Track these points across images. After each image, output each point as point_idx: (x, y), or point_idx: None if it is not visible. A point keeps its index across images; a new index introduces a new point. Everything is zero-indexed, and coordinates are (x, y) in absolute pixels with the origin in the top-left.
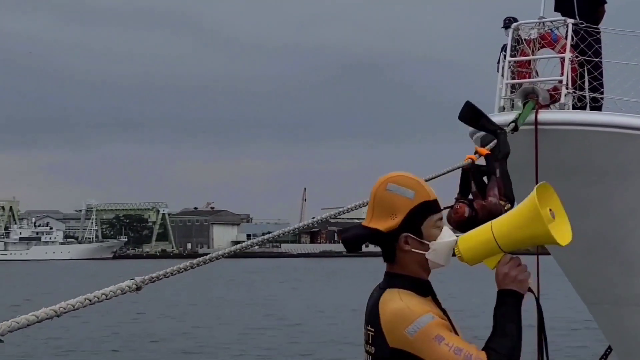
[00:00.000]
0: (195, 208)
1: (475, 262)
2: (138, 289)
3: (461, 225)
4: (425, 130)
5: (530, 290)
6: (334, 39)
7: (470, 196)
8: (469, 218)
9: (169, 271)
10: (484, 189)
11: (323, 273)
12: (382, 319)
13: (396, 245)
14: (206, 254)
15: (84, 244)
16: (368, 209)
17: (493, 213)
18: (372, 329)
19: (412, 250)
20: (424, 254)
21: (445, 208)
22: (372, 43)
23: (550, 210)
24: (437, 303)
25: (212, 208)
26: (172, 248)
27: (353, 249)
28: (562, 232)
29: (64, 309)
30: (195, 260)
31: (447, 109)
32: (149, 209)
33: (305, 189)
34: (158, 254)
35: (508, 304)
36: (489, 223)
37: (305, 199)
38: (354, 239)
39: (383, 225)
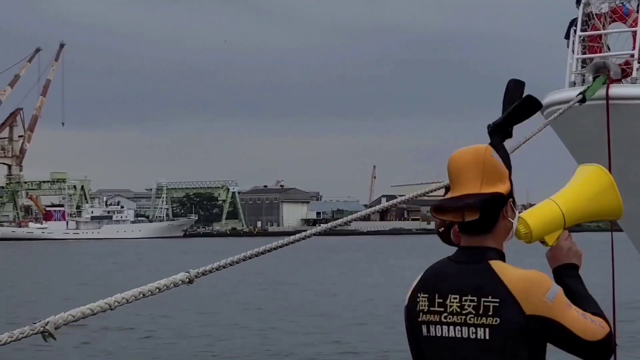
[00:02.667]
0: (265, 186)
1: (538, 239)
2: (190, 281)
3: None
4: (492, 105)
5: None
6: (399, 17)
7: None
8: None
9: (221, 264)
10: None
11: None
12: (510, 287)
13: (501, 212)
14: (276, 232)
15: (155, 223)
16: (470, 177)
17: None
18: (496, 300)
19: (509, 218)
20: (512, 222)
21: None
22: (438, 20)
23: None
24: None
25: (281, 186)
26: (242, 226)
27: (479, 224)
28: None
29: (118, 302)
30: (269, 245)
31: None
32: (219, 187)
33: (374, 166)
34: (228, 232)
35: (577, 276)
36: (549, 200)
37: (375, 177)
38: (486, 205)
39: (501, 188)
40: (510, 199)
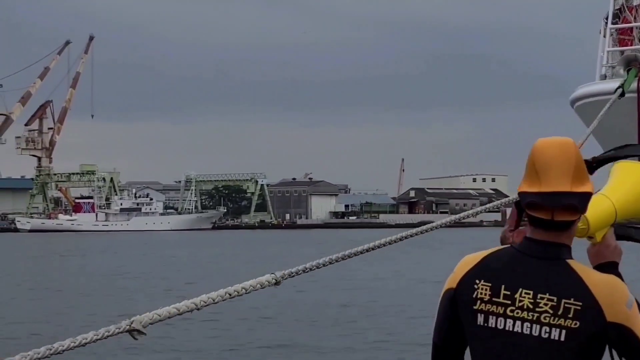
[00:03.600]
0: (294, 179)
1: (592, 234)
2: (277, 283)
3: None
4: (519, 98)
5: None
6: (429, 11)
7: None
8: None
9: (307, 266)
10: None
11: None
12: (595, 291)
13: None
14: (305, 225)
15: (184, 215)
16: (561, 172)
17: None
18: (579, 303)
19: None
20: (579, 222)
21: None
22: (467, 14)
23: None
24: None
25: (310, 179)
26: (271, 219)
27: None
28: None
29: (204, 302)
30: (376, 242)
31: (539, 78)
32: (247, 179)
33: (403, 159)
34: (257, 224)
35: (619, 274)
36: (602, 195)
37: (403, 170)
38: (582, 206)
39: (589, 188)
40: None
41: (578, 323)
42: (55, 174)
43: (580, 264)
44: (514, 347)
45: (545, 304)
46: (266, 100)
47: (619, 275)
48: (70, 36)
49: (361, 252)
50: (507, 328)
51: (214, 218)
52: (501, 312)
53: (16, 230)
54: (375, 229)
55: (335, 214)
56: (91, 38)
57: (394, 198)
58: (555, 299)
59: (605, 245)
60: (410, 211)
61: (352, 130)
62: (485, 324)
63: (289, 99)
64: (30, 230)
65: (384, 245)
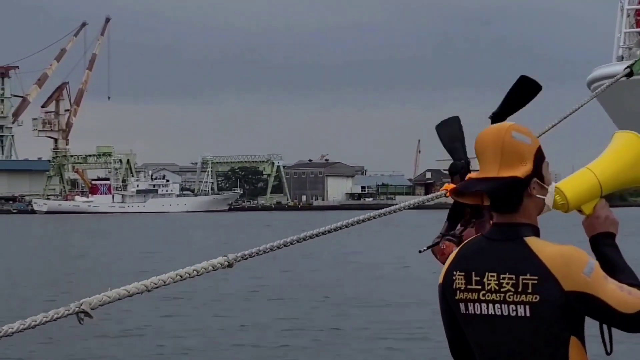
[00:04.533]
0: (310, 160)
1: (575, 208)
2: (230, 265)
3: None
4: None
5: None
6: None
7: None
8: None
9: (261, 249)
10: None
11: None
12: (548, 264)
13: (524, 192)
14: (321, 206)
15: (200, 197)
16: (489, 159)
17: None
18: (535, 277)
19: (537, 195)
20: (544, 199)
21: (429, 247)
22: None
23: None
24: None
25: (326, 160)
26: (287, 200)
27: (503, 205)
28: None
29: (155, 284)
30: (350, 220)
31: (556, 60)
32: (264, 161)
33: (419, 140)
34: (273, 206)
35: (614, 245)
36: (586, 168)
37: (420, 151)
38: (499, 192)
39: (519, 171)
40: (534, 178)
41: (538, 297)
42: (71, 156)
43: (538, 240)
44: (492, 329)
45: (507, 283)
46: (283, 82)
47: (614, 246)
48: (87, 18)
49: (323, 233)
50: (482, 312)
51: (230, 200)
52: (475, 297)
53: (33, 212)
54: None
55: (351, 196)
56: (107, 20)
57: (410, 179)
58: (514, 277)
59: (595, 217)
60: (427, 192)
61: (369, 112)
62: (467, 312)
63: (306, 81)
64: (47, 212)
65: (342, 227)
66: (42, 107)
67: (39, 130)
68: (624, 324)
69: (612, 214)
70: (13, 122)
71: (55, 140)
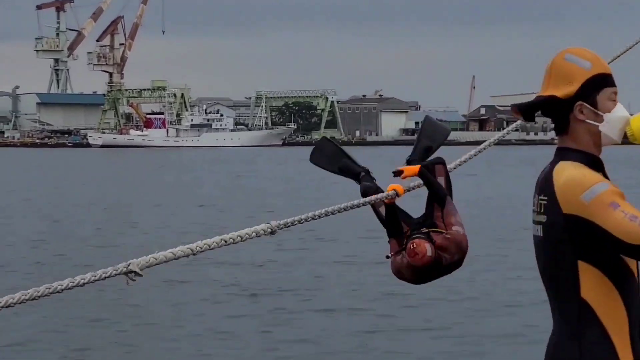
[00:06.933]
0: (364, 95)
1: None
2: (272, 232)
3: (427, 268)
4: (591, 13)
5: None
6: None
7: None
8: (434, 258)
9: (303, 217)
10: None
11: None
12: (556, 186)
13: (570, 114)
14: (375, 142)
15: (254, 131)
16: (544, 79)
17: (462, 246)
18: (545, 198)
19: (586, 120)
20: (598, 126)
21: (395, 253)
22: None
23: None
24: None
25: (380, 95)
26: (341, 135)
27: (528, 117)
28: None
29: (200, 247)
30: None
31: None
32: (317, 96)
33: (473, 76)
34: None
35: None
36: None
37: (474, 87)
38: (527, 106)
39: (559, 91)
40: (580, 102)
41: (545, 217)
42: (126, 90)
43: (566, 164)
44: (536, 249)
45: (536, 204)
46: (339, 16)
47: None
48: None
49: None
50: (533, 233)
51: (284, 134)
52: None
53: (88, 145)
54: (445, 146)
55: (405, 131)
56: None
57: (464, 115)
58: (540, 197)
59: None
60: (481, 129)
61: (423, 47)
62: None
63: (360, 16)
64: (102, 146)
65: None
66: (97, 41)
67: (94, 64)
68: (629, 253)
69: None
70: (68, 56)
71: (110, 74)
